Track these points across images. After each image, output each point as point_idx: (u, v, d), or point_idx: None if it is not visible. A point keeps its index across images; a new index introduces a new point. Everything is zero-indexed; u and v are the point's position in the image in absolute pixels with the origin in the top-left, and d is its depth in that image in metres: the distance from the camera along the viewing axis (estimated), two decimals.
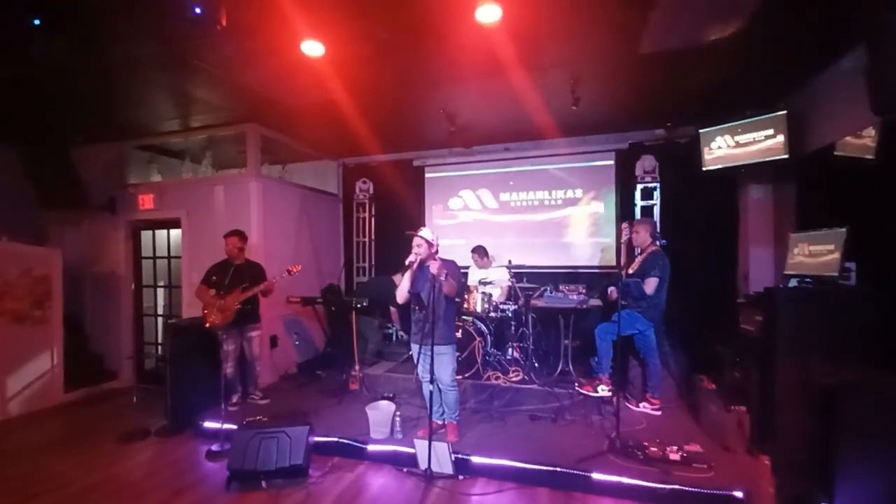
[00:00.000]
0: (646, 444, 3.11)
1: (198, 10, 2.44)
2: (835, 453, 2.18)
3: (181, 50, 3.25)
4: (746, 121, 4.19)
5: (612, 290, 4.00)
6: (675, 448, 3.03)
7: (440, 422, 3.54)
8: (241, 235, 4.31)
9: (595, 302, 4.68)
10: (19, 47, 2.93)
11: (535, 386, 4.20)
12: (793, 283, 3.34)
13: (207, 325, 4.00)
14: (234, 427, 3.47)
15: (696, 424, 3.63)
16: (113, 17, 2.83)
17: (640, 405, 3.96)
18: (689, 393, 4.06)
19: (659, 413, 3.87)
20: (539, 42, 3.24)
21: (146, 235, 5.84)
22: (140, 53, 3.31)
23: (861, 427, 2.16)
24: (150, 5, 2.68)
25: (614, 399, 3.36)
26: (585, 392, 3.88)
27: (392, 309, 5.39)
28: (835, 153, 3.53)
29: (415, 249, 3.20)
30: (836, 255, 3.01)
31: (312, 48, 3.13)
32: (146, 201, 5.52)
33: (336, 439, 3.51)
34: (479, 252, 5.16)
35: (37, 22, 2.51)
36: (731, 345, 3.62)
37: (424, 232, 3.23)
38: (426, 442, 2.99)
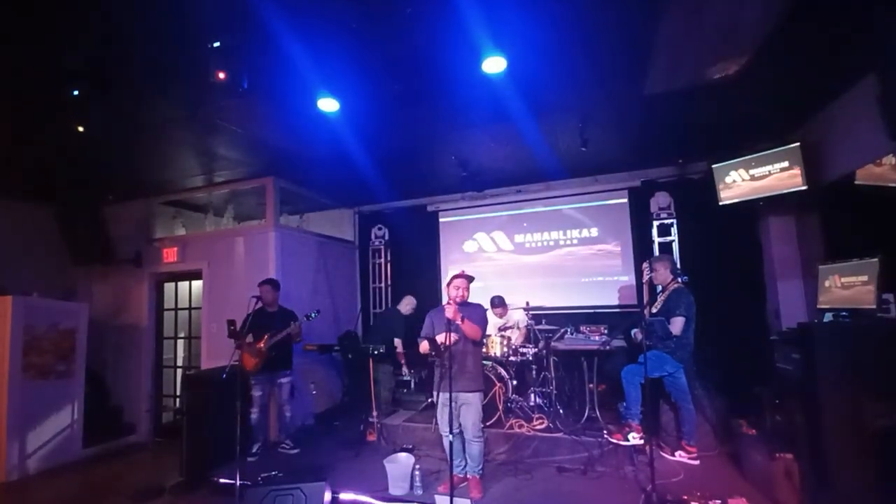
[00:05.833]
0: (685, 497, 2.90)
1: (222, 76, 2.61)
2: None
3: (206, 112, 3.47)
4: (759, 154, 4.15)
5: (635, 331, 3.86)
6: (718, 502, 2.81)
7: (462, 475, 3.36)
8: (274, 284, 4.49)
9: (618, 342, 4.50)
10: (60, 117, 3.18)
11: (561, 434, 3.98)
12: (828, 317, 3.17)
13: (248, 368, 4.16)
14: (249, 483, 3.35)
15: (740, 475, 3.37)
16: (144, 86, 3.07)
17: (676, 454, 3.70)
18: (728, 439, 3.79)
19: (697, 462, 3.60)
20: (545, 88, 3.35)
21: (168, 287, 5.98)
22: (169, 117, 3.56)
23: None
24: (178, 73, 2.90)
25: (647, 447, 3.16)
26: (615, 440, 3.66)
27: (396, 341, 5.04)
28: (855, 182, 3.46)
29: (453, 293, 3.27)
30: (872, 286, 2.87)
31: (328, 104, 3.30)
32: (170, 254, 5.70)
33: (353, 496, 3.36)
34: (499, 303, 5.08)
35: (75, 93, 2.71)
36: (770, 385, 3.40)
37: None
38: (447, 498, 2.83)
